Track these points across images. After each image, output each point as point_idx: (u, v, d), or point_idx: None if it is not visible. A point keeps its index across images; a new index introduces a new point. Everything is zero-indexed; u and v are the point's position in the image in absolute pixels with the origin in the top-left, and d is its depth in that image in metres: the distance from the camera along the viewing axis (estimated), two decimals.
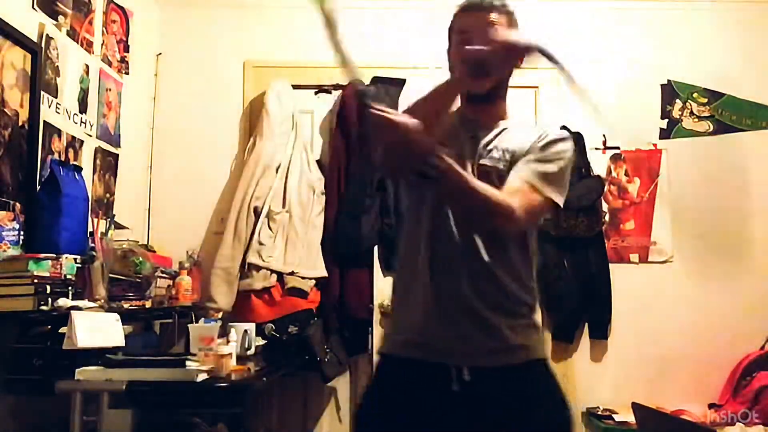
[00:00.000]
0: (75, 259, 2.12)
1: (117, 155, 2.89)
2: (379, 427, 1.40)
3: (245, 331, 2.54)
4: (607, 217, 3.22)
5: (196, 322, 2.67)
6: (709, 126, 3.34)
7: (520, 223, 1.36)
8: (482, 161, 1.44)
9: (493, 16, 1.47)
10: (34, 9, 2.27)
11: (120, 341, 2.08)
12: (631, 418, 2.55)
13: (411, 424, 1.36)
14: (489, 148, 1.46)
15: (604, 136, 3.30)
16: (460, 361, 1.35)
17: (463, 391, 1.34)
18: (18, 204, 2.14)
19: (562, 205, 1.42)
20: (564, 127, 3.21)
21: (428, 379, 1.37)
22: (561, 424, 1.40)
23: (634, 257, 3.25)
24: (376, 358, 1.52)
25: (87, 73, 2.63)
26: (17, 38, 2.15)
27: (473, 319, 1.36)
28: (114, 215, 2.77)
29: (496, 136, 1.47)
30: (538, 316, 1.45)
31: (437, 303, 1.38)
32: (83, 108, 2.60)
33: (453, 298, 1.37)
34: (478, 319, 1.36)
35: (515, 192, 1.36)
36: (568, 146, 1.47)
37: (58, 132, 2.40)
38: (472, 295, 1.37)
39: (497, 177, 1.41)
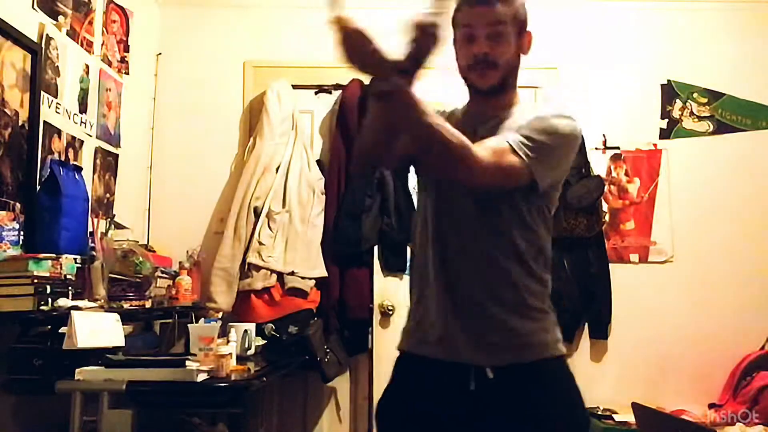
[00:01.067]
0: (75, 259, 2.12)
1: (117, 155, 2.89)
2: (400, 425, 1.41)
3: (245, 331, 2.54)
4: (607, 217, 3.22)
5: (196, 322, 2.67)
6: (709, 126, 3.34)
7: (485, 178, 1.31)
8: None
9: (499, 9, 1.40)
10: (34, 9, 2.27)
11: (120, 341, 2.08)
12: (631, 418, 2.55)
13: (430, 422, 1.36)
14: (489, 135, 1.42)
15: (604, 136, 3.30)
16: (476, 359, 1.35)
17: (481, 390, 1.33)
18: (18, 204, 2.14)
19: (542, 184, 1.36)
20: None
21: (445, 378, 1.37)
22: (575, 425, 1.39)
23: (634, 257, 3.25)
24: (394, 354, 1.51)
25: (87, 73, 2.63)
26: (17, 38, 2.15)
27: (485, 316, 1.36)
28: (114, 215, 2.77)
29: (499, 123, 1.44)
30: (554, 314, 1.46)
31: (450, 302, 1.38)
32: (83, 108, 2.60)
33: (465, 296, 1.37)
34: (491, 317, 1.36)
35: (491, 148, 1.32)
36: (567, 124, 1.41)
37: (58, 132, 2.40)
38: (483, 292, 1.37)
39: None
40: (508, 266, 1.38)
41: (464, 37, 1.44)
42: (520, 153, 1.33)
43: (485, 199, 1.38)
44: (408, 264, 3.02)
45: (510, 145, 1.33)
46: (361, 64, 1.26)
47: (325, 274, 3.03)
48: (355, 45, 1.24)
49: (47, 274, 1.96)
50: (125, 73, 2.97)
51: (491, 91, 1.45)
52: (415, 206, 1.62)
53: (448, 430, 1.36)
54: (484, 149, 1.31)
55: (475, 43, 1.41)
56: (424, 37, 1.28)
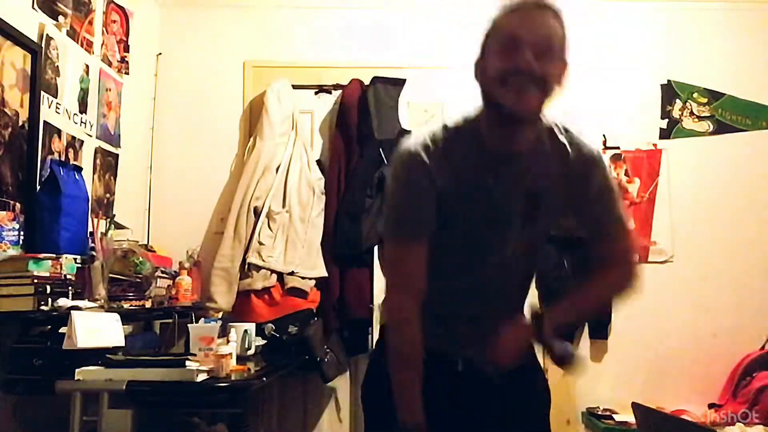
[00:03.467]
0: (75, 259, 2.12)
1: (117, 155, 2.89)
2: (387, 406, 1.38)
3: (245, 331, 2.54)
4: None
5: (196, 322, 2.66)
6: (709, 126, 3.34)
7: (639, 273, 1.39)
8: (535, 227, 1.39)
9: (549, 17, 1.21)
10: (34, 9, 2.27)
11: (120, 341, 2.08)
12: (631, 418, 2.55)
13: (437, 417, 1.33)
14: (525, 184, 1.31)
15: (604, 136, 3.30)
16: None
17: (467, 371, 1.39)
18: (18, 204, 2.13)
19: None
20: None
21: (434, 362, 1.34)
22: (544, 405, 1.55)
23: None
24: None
25: (87, 73, 2.63)
26: (17, 38, 2.15)
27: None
28: (114, 215, 2.77)
29: (527, 167, 1.30)
30: None
31: (476, 323, 1.39)
32: (83, 108, 2.60)
33: (492, 318, 1.36)
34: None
35: (627, 248, 1.39)
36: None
37: (58, 132, 2.40)
38: (508, 310, 1.42)
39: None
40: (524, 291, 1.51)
41: (505, 46, 1.21)
42: (628, 224, 1.41)
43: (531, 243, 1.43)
44: None
45: (622, 231, 1.39)
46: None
47: (325, 274, 3.03)
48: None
49: (47, 274, 1.96)
50: (125, 73, 2.97)
51: (527, 118, 1.24)
52: None
53: (439, 410, 1.33)
54: (625, 260, 1.40)
55: (520, 55, 1.18)
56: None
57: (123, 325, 2.15)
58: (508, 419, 1.42)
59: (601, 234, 1.39)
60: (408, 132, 3.01)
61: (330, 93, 3.31)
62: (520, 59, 1.17)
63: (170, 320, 2.78)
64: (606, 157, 3.22)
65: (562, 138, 1.34)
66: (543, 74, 1.19)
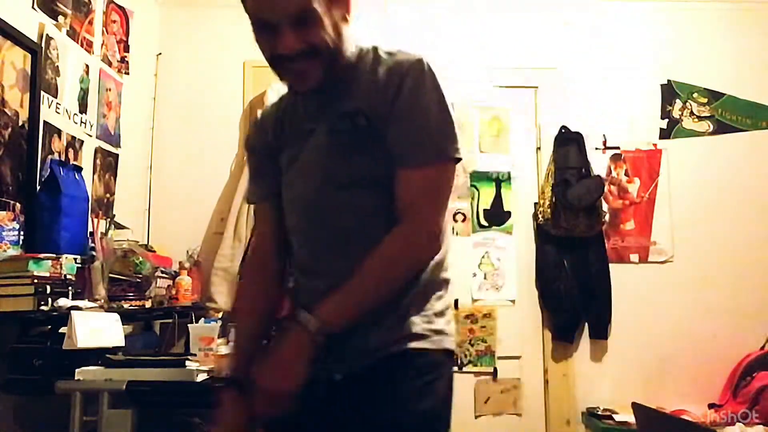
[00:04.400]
0: (75, 259, 2.11)
1: (117, 155, 2.89)
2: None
3: None
4: (607, 217, 3.21)
5: (196, 322, 2.66)
6: (709, 126, 3.34)
7: (438, 230, 1.13)
8: (328, 158, 1.17)
9: None
10: (34, 9, 2.27)
11: (120, 341, 2.08)
12: (631, 418, 2.55)
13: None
14: (334, 128, 1.16)
15: (604, 136, 3.30)
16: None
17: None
18: (18, 204, 2.13)
19: (462, 157, 1.15)
20: (564, 128, 3.23)
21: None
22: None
23: (634, 257, 3.25)
24: None
25: (87, 73, 2.63)
26: (17, 38, 2.15)
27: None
28: (114, 215, 2.77)
29: (338, 100, 1.17)
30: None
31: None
32: (83, 108, 2.60)
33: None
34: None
35: (409, 198, 1.10)
36: (432, 76, 1.13)
37: (58, 132, 2.40)
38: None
39: (357, 151, 1.15)
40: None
41: (262, 32, 1.13)
42: (437, 155, 1.12)
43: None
44: None
45: (419, 162, 1.11)
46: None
47: None
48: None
49: (47, 274, 1.96)
50: (125, 73, 2.97)
51: (313, 87, 1.16)
52: None
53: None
54: (407, 211, 1.11)
55: (280, 38, 1.10)
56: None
57: (123, 325, 2.15)
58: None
59: (395, 165, 1.13)
60: None
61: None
62: (280, 44, 1.10)
63: (170, 320, 2.77)
64: (606, 157, 3.29)
65: (382, 57, 1.18)
66: (310, 45, 1.10)
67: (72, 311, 1.90)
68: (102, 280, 2.23)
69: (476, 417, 3.12)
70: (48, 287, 1.95)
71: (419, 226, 1.13)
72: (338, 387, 1.16)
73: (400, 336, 1.14)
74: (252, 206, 2.97)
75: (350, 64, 1.18)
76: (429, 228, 1.13)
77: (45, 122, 2.30)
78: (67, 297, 2.01)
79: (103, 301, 2.19)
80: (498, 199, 3.27)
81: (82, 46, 2.59)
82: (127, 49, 2.99)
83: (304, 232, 1.25)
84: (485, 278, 3.22)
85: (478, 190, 3.26)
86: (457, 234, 3.20)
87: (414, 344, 1.14)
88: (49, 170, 2.25)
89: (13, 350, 1.94)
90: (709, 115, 3.34)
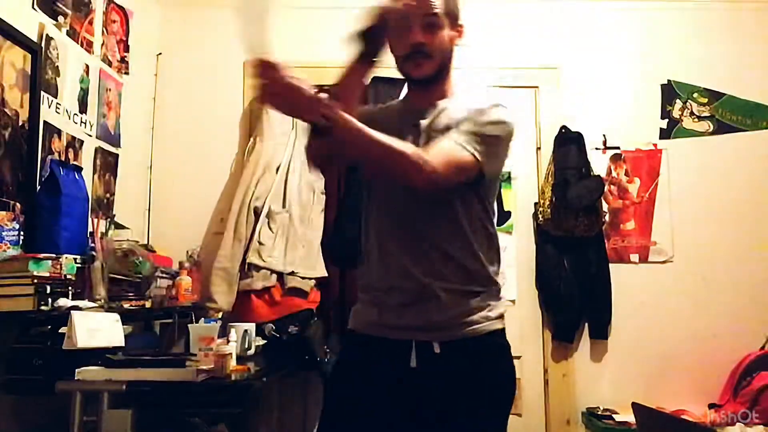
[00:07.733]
0: (75, 259, 2.11)
1: (117, 155, 2.89)
2: (342, 402, 1.45)
3: (245, 331, 2.53)
4: (607, 217, 3.22)
5: (196, 322, 2.66)
6: (709, 126, 3.34)
7: (437, 178, 1.34)
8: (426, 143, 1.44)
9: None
10: (34, 9, 2.27)
11: (120, 341, 2.08)
12: (631, 418, 2.55)
13: (370, 401, 1.40)
14: (433, 128, 1.46)
15: (604, 136, 3.30)
16: (412, 336, 1.39)
17: (420, 368, 1.37)
18: (18, 204, 2.13)
19: (488, 175, 1.42)
20: (564, 128, 3.24)
21: (386, 356, 1.41)
22: (502, 400, 1.44)
23: (634, 257, 3.25)
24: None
25: (87, 73, 2.63)
26: (17, 38, 2.15)
27: (417, 293, 1.40)
28: (114, 215, 2.77)
29: (438, 116, 1.48)
30: (496, 290, 1.47)
31: (387, 282, 1.43)
32: (83, 108, 2.60)
33: (400, 276, 1.41)
34: (421, 292, 1.40)
35: (437, 148, 1.37)
36: (505, 115, 1.47)
37: (58, 132, 2.40)
38: (416, 269, 1.40)
39: None
40: (436, 242, 1.42)
41: (399, 27, 1.46)
42: (470, 149, 1.38)
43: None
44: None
45: (455, 142, 1.38)
46: (291, 110, 1.41)
47: (325, 274, 3.03)
48: (282, 93, 1.37)
49: (47, 274, 1.96)
50: (125, 73, 2.97)
51: (426, 81, 1.49)
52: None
53: (388, 406, 1.40)
54: (435, 154, 1.35)
55: (410, 33, 1.44)
56: (380, 28, 1.43)
57: (123, 325, 2.15)
58: (426, 409, 1.38)
59: (443, 133, 1.43)
60: None
61: (330, 93, 3.30)
62: (410, 38, 1.43)
63: (170, 320, 2.77)
64: (606, 157, 3.29)
65: (475, 98, 1.50)
66: (431, 46, 1.44)
67: (72, 311, 1.90)
68: (102, 280, 2.23)
69: None
70: (48, 287, 1.95)
71: (432, 165, 1.34)
72: (436, 355, 1.37)
73: (490, 317, 1.42)
74: (252, 206, 3.00)
75: (451, 88, 1.53)
76: (434, 173, 1.34)
77: (45, 122, 2.30)
78: (67, 297, 2.01)
79: (103, 301, 2.19)
80: (498, 199, 3.26)
81: (82, 46, 2.59)
82: (127, 49, 2.99)
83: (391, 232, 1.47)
84: None
85: None
86: None
87: (499, 325, 1.43)
88: (49, 170, 2.25)
89: (13, 350, 1.93)
90: (709, 115, 3.34)
